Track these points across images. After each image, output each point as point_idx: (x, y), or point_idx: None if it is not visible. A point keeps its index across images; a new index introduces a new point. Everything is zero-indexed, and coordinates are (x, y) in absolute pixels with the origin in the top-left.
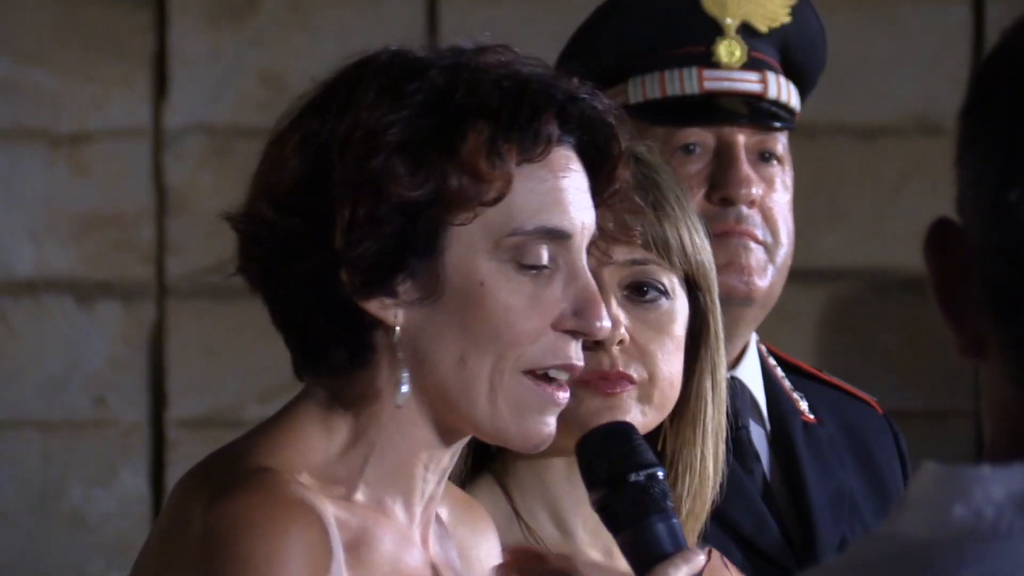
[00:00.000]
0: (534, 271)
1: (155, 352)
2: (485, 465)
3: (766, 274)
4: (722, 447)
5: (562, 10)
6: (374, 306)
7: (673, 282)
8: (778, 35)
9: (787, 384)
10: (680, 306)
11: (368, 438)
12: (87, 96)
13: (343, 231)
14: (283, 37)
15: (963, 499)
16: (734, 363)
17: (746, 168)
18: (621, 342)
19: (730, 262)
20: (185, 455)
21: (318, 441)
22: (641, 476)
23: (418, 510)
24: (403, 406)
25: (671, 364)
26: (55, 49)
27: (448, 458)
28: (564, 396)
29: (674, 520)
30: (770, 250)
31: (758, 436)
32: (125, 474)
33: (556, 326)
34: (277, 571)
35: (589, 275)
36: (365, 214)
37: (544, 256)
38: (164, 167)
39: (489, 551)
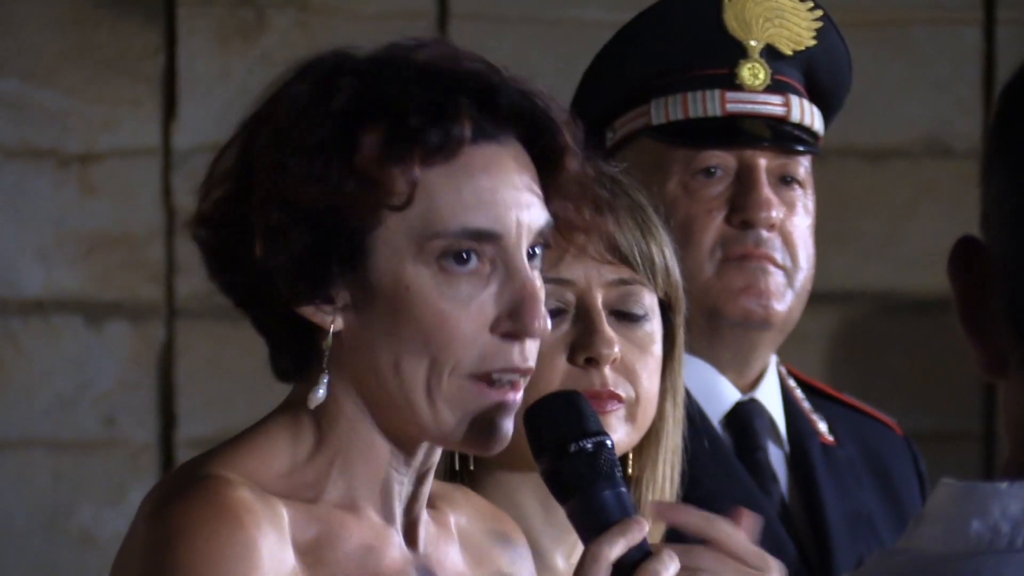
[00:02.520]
0: (464, 274)
1: (164, 372)
2: (454, 481)
3: (785, 298)
4: (678, 468)
5: (571, 32)
6: (310, 311)
7: (653, 302)
8: (803, 58)
9: (806, 406)
10: (658, 326)
11: (331, 444)
12: (96, 116)
13: (260, 242)
14: (292, 58)
15: (980, 514)
16: (752, 385)
17: (767, 191)
18: (614, 361)
19: (749, 286)
20: None
21: (285, 447)
22: (589, 444)
23: (397, 510)
24: (356, 410)
25: (653, 383)
26: (64, 69)
27: (419, 459)
28: (514, 396)
29: (622, 489)
30: (789, 274)
31: (776, 457)
32: (135, 494)
33: (494, 330)
34: (207, 574)
35: (528, 274)
36: (276, 225)
37: (472, 258)
38: (173, 187)
39: (514, 560)
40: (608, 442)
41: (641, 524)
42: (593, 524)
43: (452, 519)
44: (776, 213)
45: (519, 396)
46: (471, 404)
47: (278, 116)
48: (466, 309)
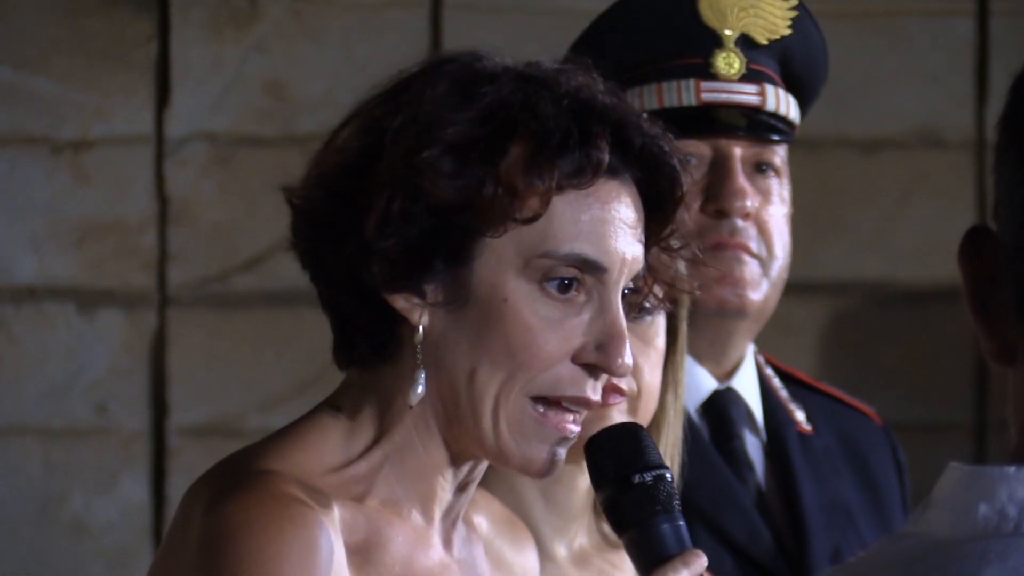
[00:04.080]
0: (562, 297)
1: (157, 361)
2: None
3: (760, 287)
4: (678, 460)
5: (565, 22)
6: (400, 301)
7: (659, 296)
8: (778, 47)
9: (784, 395)
10: (662, 319)
11: (391, 437)
12: (89, 104)
13: (376, 222)
14: (286, 46)
15: (987, 498)
16: (729, 374)
17: (741, 180)
18: None
19: (724, 275)
20: (186, 464)
21: (339, 440)
22: (648, 477)
23: (437, 512)
24: (421, 411)
25: (655, 377)
26: (57, 57)
27: (464, 472)
28: (574, 429)
29: (680, 522)
30: (765, 263)
31: (753, 446)
32: (126, 482)
33: (576, 358)
34: (272, 571)
35: (620, 312)
36: (399, 209)
37: (572, 284)
38: (166, 175)
39: (525, 566)
40: (668, 475)
41: (701, 557)
42: (651, 556)
43: (475, 520)
44: (751, 202)
45: (578, 428)
46: (527, 427)
47: (417, 106)
48: (555, 332)
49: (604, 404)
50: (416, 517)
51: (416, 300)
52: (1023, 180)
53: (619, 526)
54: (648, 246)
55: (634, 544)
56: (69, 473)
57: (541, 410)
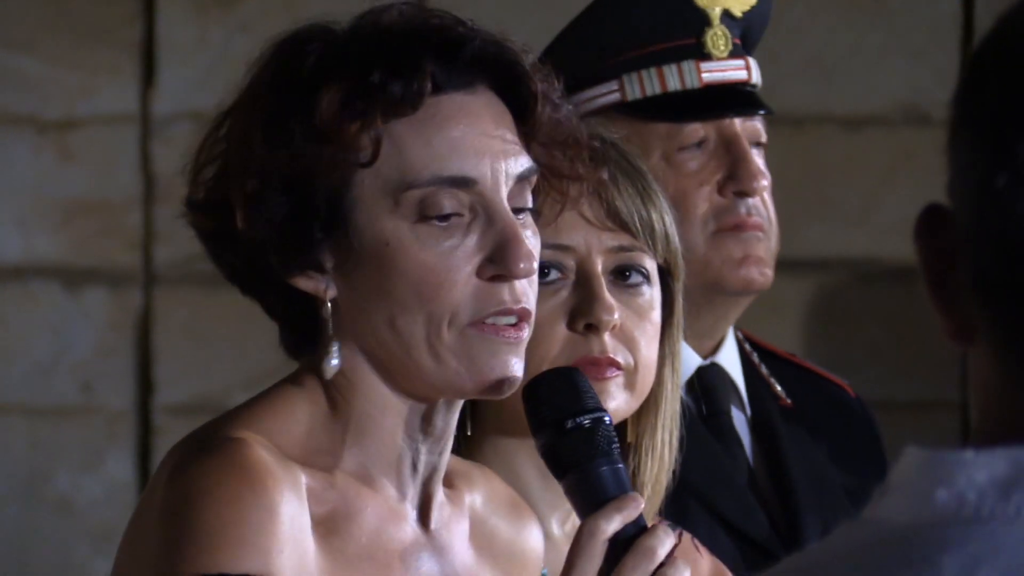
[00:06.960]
0: (442, 223)
1: (142, 339)
2: (454, 451)
3: (772, 263)
4: (676, 434)
5: (550, 0)
6: (303, 282)
7: (653, 269)
8: (746, 18)
9: (764, 369)
10: (657, 293)
11: (345, 412)
12: (75, 83)
13: (241, 215)
14: (271, 24)
15: (946, 483)
16: (714, 350)
17: (757, 160)
18: (613, 328)
19: (747, 255)
20: (172, 442)
21: (303, 411)
22: (586, 420)
23: (410, 482)
24: (364, 377)
25: (652, 351)
26: (43, 36)
27: (438, 424)
28: (517, 335)
29: (619, 465)
30: (771, 239)
31: (739, 421)
32: (112, 461)
33: (481, 275)
34: (229, 536)
35: (509, 218)
36: (253, 193)
37: (447, 206)
38: (151, 154)
39: (524, 549)
40: (606, 419)
41: (637, 500)
42: (590, 500)
43: (467, 499)
44: (765, 182)
45: (523, 335)
46: (476, 349)
47: (250, 89)
48: (450, 258)
49: (601, 378)
50: (389, 490)
51: (317, 275)
52: (977, 160)
53: (558, 471)
54: (528, 146)
55: (573, 488)
56: (54, 451)
57: (481, 328)
